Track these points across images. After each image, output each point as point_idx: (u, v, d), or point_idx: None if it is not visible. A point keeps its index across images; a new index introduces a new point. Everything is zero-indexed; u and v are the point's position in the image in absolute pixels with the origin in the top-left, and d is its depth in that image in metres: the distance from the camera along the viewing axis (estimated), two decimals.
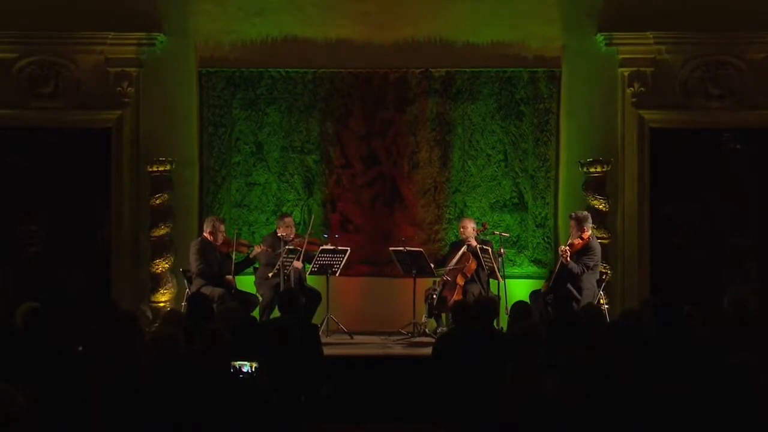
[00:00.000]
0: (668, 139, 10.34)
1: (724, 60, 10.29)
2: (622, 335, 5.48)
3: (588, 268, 9.21)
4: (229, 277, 9.48)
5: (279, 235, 9.62)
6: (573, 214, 9.62)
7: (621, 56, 10.26)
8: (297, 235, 9.79)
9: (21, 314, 6.39)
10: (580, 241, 9.35)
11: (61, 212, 10.42)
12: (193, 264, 9.45)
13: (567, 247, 9.29)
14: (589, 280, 9.25)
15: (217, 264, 9.51)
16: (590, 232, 9.43)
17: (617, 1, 10.23)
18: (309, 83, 10.46)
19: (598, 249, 9.39)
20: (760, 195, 10.40)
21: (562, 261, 9.22)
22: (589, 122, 10.34)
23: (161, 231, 10.07)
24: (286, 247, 9.44)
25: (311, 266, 9.68)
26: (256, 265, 9.77)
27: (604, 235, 9.97)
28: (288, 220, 9.78)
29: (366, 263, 10.43)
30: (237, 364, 5.07)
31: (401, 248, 9.67)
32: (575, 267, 9.16)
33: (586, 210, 9.86)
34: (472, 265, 9.60)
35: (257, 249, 9.58)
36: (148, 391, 4.72)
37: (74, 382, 5.57)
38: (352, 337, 9.51)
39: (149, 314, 9.93)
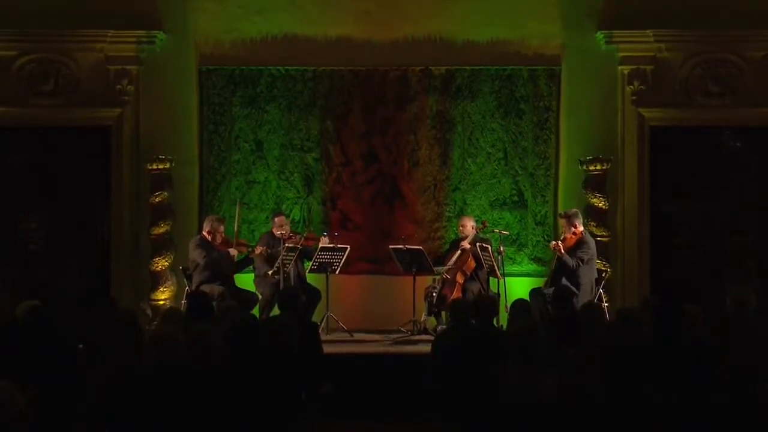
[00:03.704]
0: (668, 137, 10.34)
1: (724, 58, 10.29)
2: (621, 335, 5.48)
3: (582, 261, 9.23)
4: (232, 250, 9.48)
5: (275, 233, 9.62)
6: (561, 213, 9.72)
7: (621, 54, 10.27)
8: (294, 233, 9.78)
9: (21, 312, 6.40)
10: (573, 237, 9.39)
11: (61, 210, 10.42)
12: (198, 257, 9.42)
13: (558, 241, 9.36)
14: (586, 275, 9.27)
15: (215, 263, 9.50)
16: (582, 227, 9.46)
17: None
18: (309, 81, 10.45)
19: (591, 243, 9.41)
20: (760, 193, 10.39)
21: (557, 256, 9.27)
22: (588, 120, 10.34)
23: (161, 229, 10.07)
24: (285, 245, 9.44)
25: (311, 264, 9.68)
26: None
27: (604, 233, 10.00)
28: (281, 219, 9.77)
29: (366, 261, 10.43)
30: None
31: (401, 246, 9.67)
32: (569, 260, 9.19)
33: (586, 208, 9.91)
34: (471, 263, 9.60)
35: (258, 250, 9.57)
36: (148, 390, 4.72)
37: (74, 380, 5.57)
38: (352, 335, 9.50)
39: (149, 312, 9.93)
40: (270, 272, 9.45)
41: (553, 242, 9.48)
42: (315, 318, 9.22)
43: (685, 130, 10.37)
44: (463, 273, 9.62)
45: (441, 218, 10.48)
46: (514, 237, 10.37)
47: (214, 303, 8.16)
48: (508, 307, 7.80)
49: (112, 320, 5.89)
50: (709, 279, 10.19)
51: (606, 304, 9.18)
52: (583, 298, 8.86)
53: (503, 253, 9.62)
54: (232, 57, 10.42)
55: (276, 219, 9.78)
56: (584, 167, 10.07)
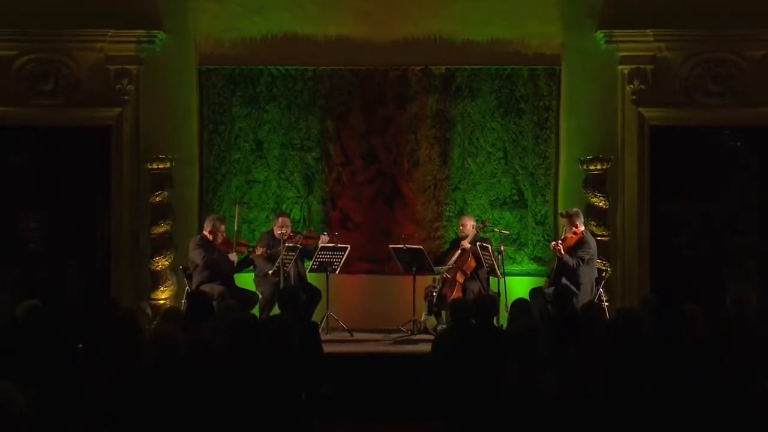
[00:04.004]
0: (668, 136, 10.33)
1: (724, 57, 10.29)
2: (621, 335, 5.48)
3: (583, 261, 9.23)
4: (232, 254, 9.49)
5: (276, 233, 9.62)
6: (563, 212, 9.73)
7: (621, 54, 10.27)
8: (294, 232, 9.78)
9: (21, 312, 6.41)
10: (573, 236, 9.39)
11: (61, 210, 10.42)
12: (197, 257, 9.42)
13: (559, 241, 9.37)
14: (586, 274, 9.27)
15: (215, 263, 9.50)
16: (583, 227, 9.46)
17: None
18: (309, 81, 10.45)
19: (592, 242, 9.41)
20: (760, 193, 10.39)
21: (557, 256, 9.28)
22: (589, 120, 10.34)
23: (161, 228, 10.07)
24: (286, 244, 9.44)
25: (311, 263, 9.68)
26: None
27: (604, 233, 10.00)
28: (284, 219, 9.77)
29: (366, 261, 10.44)
30: None
31: (401, 246, 9.67)
32: (570, 260, 9.20)
33: (586, 208, 9.91)
34: (472, 262, 9.60)
35: (258, 251, 9.57)
36: (148, 390, 4.71)
37: (74, 380, 5.57)
38: (352, 335, 9.50)
39: (149, 312, 9.93)
40: (270, 272, 9.45)
41: (554, 242, 9.49)
42: (315, 317, 9.22)
43: (685, 130, 10.37)
44: (464, 272, 9.62)
45: (441, 218, 10.48)
46: (514, 236, 10.37)
47: (214, 303, 8.15)
48: (509, 306, 7.80)
49: (112, 320, 5.89)
50: (709, 279, 10.18)
51: (606, 304, 9.18)
52: (583, 297, 8.86)
53: (503, 253, 9.62)
54: (232, 57, 10.42)
55: (280, 219, 9.77)
56: (584, 167, 10.07)
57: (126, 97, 10.31)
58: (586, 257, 9.26)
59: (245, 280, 9.82)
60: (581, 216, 9.54)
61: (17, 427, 3.41)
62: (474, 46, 10.38)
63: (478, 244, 9.53)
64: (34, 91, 10.29)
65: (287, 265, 9.39)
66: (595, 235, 9.70)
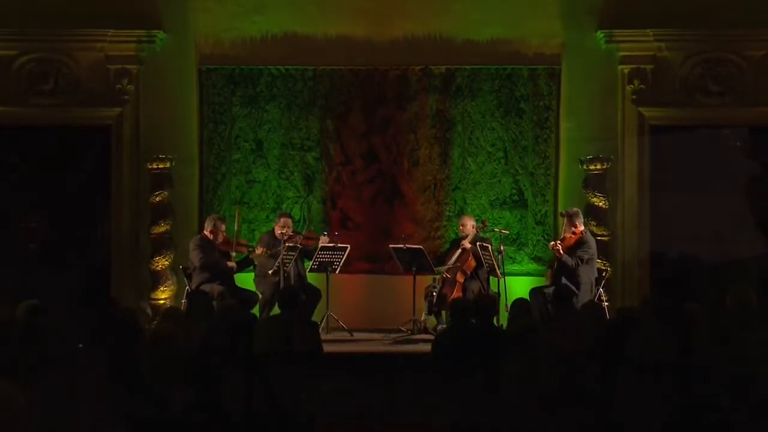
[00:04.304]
0: (668, 136, 10.33)
1: (724, 57, 10.29)
2: (621, 335, 5.48)
3: (582, 260, 9.23)
4: (231, 263, 9.49)
5: (277, 233, 9.63)
6: (562, 211, 9.74)
7: (621, 53, 10.27)
8: (294, 232, 9.79)
9: (21, 312, 6.40)
10: (573, 236, 9.40)
11: (61, 210, 10.42)
12: (195, 258, 9.43)
13: (558, 241, 9.37)
14: (586, 274, 9.27)
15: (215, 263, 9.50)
16: (582, 227, 9.47)
17: None
18: (309, 80, 10.46)
19: (592, 242, 9.42)
20: (760, 193, 10.38)
21: (556, 255, 9.29)
22: (589, 120, 10.34)
23: (161, 228, 10.07)
24: (286, 244, 9.44)
25: (311, 263, 9.68)
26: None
27: (604, 233, 10.00)
28: (286, 220, 9.77)
29: (366, 260, 10.44)
30: None
31: (401, 245, 9.67)
32: (569, 260, 9.21)
33: (586, 208, 9.91)
34: (472, 262, 9.61)
35: (258, 251, 9.57)
36: (148, 390, 4.72)
37: (74, 380, 5.57)
38: (352, 335, 9.51)
39: (149, 312, 9.94)
40: (270, 272, 9.45)
41: (552, 242, 9.49)
42: (315, 317, 9.22)
43: (685, 130, 10.36)
44: (464, 272, 9.63)
45: (441, 217, 10.49)
46: (514, 236, 10.37)
47: (214, 302, 8.16)
48: (509, 306, 7.80)
49: (112, 320, 5.89)
50: (709, 279, 10.16)
51: (606, 304, 9.18)
52: (583, 297, 8.87)
53: (503, 253, 9.62)
54: (232, 56, 10.42)
55: (282, 219, 9.78)
56: (584, 166, 10.07)
57: (126, 97, 10.31)
58: (586, 257, 9.26)
59: (245, 280, 9.82)
60: (581, 216, 9.54)
61: (17, 427, 3.41)
62: (474, 46, 10.39)
63: (478, 243, 9.53)
64: (34, 91, 10.29)
65: (287, 265, 9.39)
66: (595, 235, 9.71)
